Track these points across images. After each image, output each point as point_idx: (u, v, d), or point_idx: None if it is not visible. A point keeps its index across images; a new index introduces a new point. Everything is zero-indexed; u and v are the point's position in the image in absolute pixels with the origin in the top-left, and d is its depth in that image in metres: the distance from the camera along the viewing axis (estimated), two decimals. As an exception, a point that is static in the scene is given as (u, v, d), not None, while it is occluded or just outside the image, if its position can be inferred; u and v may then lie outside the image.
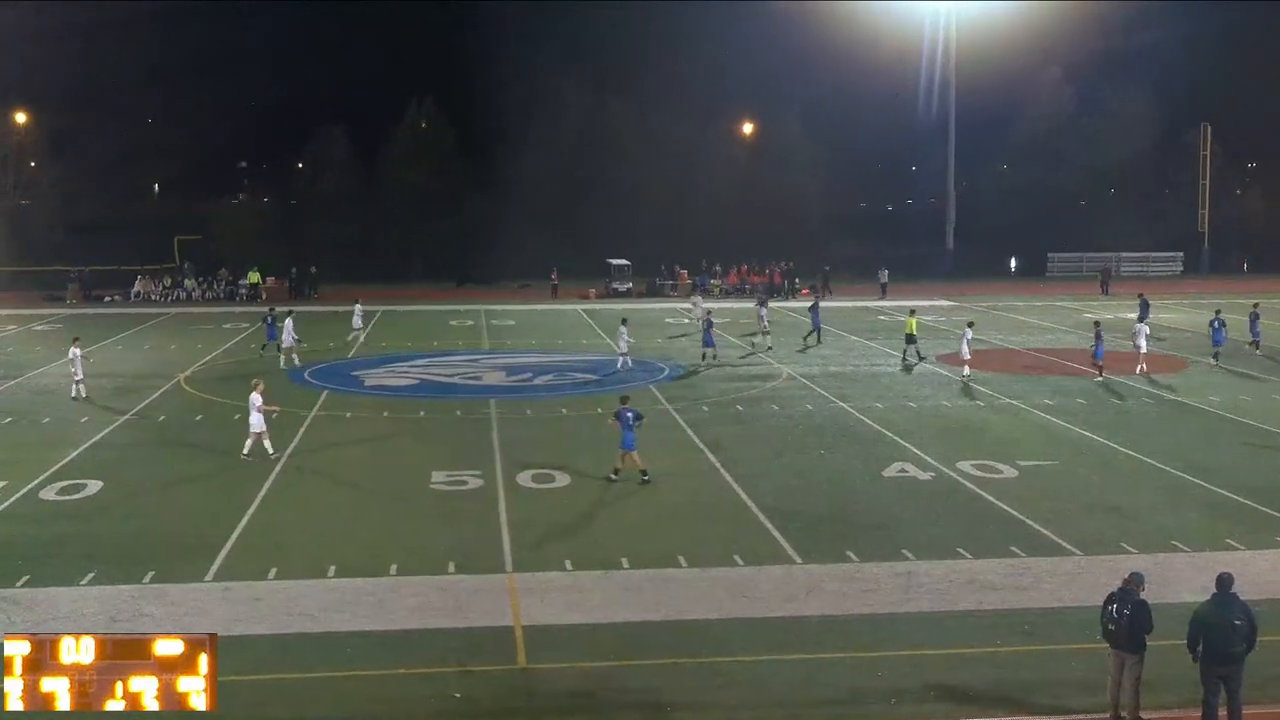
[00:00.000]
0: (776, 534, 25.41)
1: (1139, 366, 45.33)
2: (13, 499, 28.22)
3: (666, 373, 46.70)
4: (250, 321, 61.38)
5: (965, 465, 31.01)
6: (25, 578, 22.61)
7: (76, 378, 41.05)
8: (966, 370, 44.37)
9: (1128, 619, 16.54)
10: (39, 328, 62.86)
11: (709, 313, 53.40)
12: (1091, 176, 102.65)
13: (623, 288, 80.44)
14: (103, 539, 25.18)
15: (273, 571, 22.96)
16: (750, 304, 64.54)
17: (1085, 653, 18.56)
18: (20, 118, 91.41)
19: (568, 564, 23.42)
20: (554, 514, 26.95)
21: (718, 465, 31.41)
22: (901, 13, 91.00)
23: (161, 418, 38.19)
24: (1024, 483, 29.55)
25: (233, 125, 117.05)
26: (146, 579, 22.54)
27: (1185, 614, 16.85)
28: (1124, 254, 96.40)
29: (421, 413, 39.09)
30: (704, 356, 48.87)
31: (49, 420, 37.42)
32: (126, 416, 38.19)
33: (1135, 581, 16.93)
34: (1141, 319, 55.33)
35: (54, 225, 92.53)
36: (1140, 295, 60.73)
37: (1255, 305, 53.13)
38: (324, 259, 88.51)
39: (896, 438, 34.62)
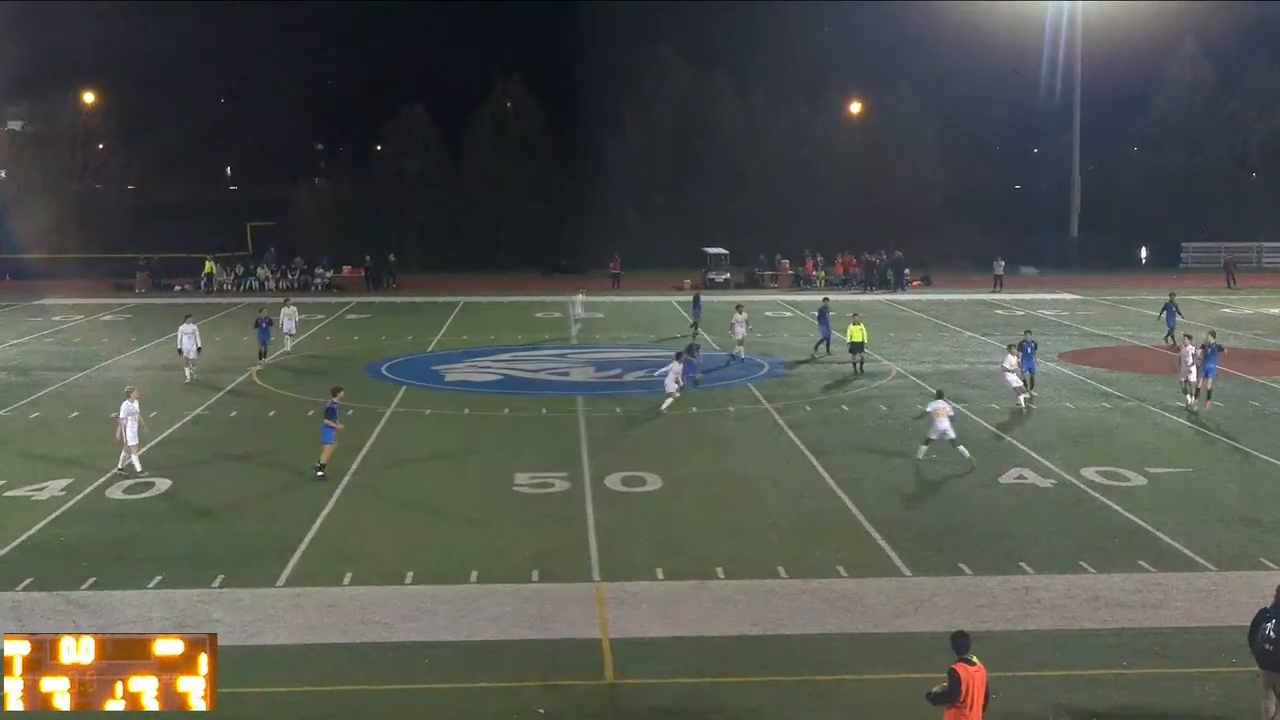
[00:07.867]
0: (884, 544, 25.24)
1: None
2: (79, 497, 28.79)
3: (766, 369, 46.56)
4: (326, 313, 61.96)
5: (1089, 472, 30.58)
6: (91, 579, 23.05)
7: None
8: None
9: None
10: (106, 317, 64.09)
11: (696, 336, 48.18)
12: (1230, 160, 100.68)
13: (720, 278, 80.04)
14: (171, 540, 25.59)
15: (347, 577, 23.18)
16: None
17: (1220, 676, 18.25)
18: (88, 98, 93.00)
19: (659, 573, 23.42)
20: (644, 519, 27.00)
21: (820, 469, 31.25)
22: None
23: (233, 413, 38.76)
24: (1154, 492, 29.10)
25: (309, 105, 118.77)
26: (216, 583, 22.88)
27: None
28: (1265, 244, 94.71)
29: (505, 410, 39.26)
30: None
31: (117, 415, 37.97)
32: (197, 411, 38.80)
33: None
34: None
35: (123, 210, 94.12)
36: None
37: None
38: (405, 247, 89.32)
39: (1015, 442, 34.25)
